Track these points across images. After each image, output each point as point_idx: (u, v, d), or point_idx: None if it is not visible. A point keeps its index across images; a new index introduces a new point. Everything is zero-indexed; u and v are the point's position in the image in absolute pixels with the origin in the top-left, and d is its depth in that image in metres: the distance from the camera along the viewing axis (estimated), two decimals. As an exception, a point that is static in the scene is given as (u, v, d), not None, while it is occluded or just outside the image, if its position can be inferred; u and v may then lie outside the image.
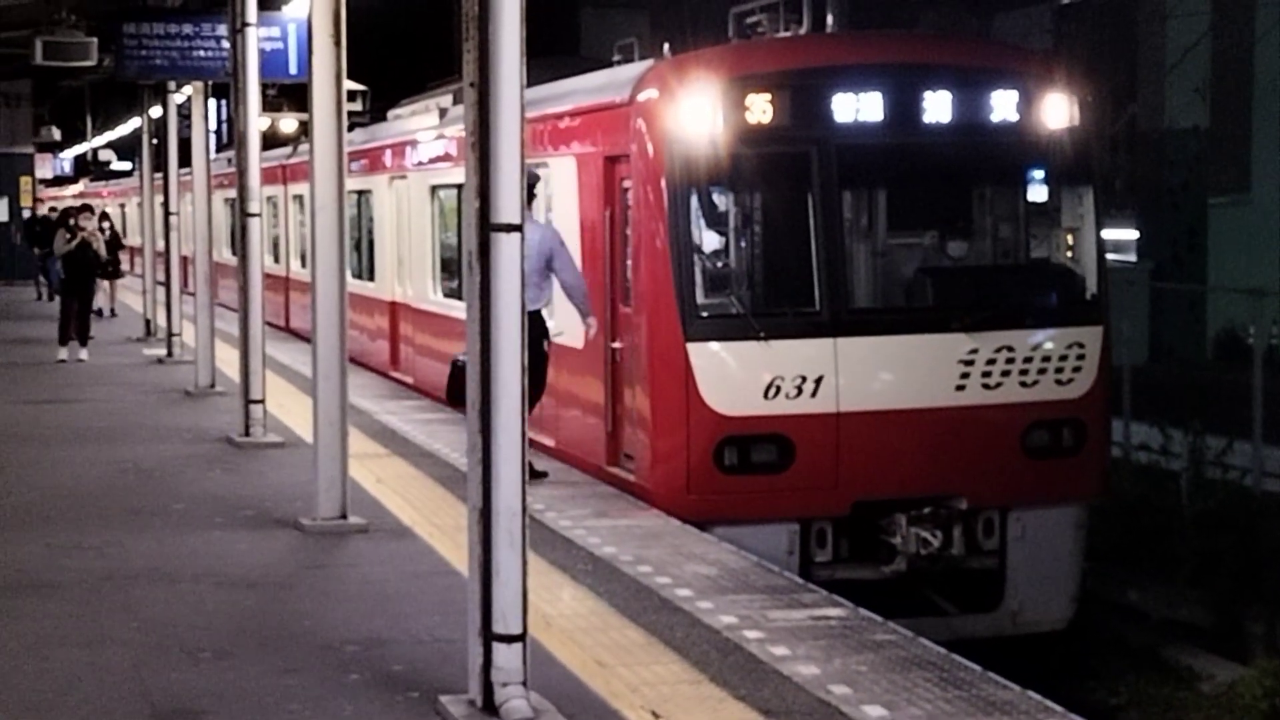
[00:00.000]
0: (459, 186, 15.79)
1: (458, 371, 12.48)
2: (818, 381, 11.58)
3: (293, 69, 17.68)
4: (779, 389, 11.56)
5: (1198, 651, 13.31)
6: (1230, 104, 24.83)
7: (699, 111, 11.67)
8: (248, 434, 15.46)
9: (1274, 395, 15.48)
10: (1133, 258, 26.18)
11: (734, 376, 11.70)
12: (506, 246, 7.12)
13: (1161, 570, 14.10)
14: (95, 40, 17.94)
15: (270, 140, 26.73)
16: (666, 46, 13.30)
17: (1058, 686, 9.46)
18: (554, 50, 19.54)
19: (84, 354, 23.36)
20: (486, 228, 7.14)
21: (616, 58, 14.62)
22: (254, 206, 15.69)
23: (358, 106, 24.07)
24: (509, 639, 7.17)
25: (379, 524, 11.61)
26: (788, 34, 12.92)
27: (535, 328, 12.51)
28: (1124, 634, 13.41)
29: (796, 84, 12.00)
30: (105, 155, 56.06)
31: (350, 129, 22.32)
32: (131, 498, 12.82)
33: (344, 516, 11.54)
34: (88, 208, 26.51)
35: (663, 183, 11.79)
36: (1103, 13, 26.20)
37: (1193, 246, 24.68)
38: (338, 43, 11.54)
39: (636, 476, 12.25)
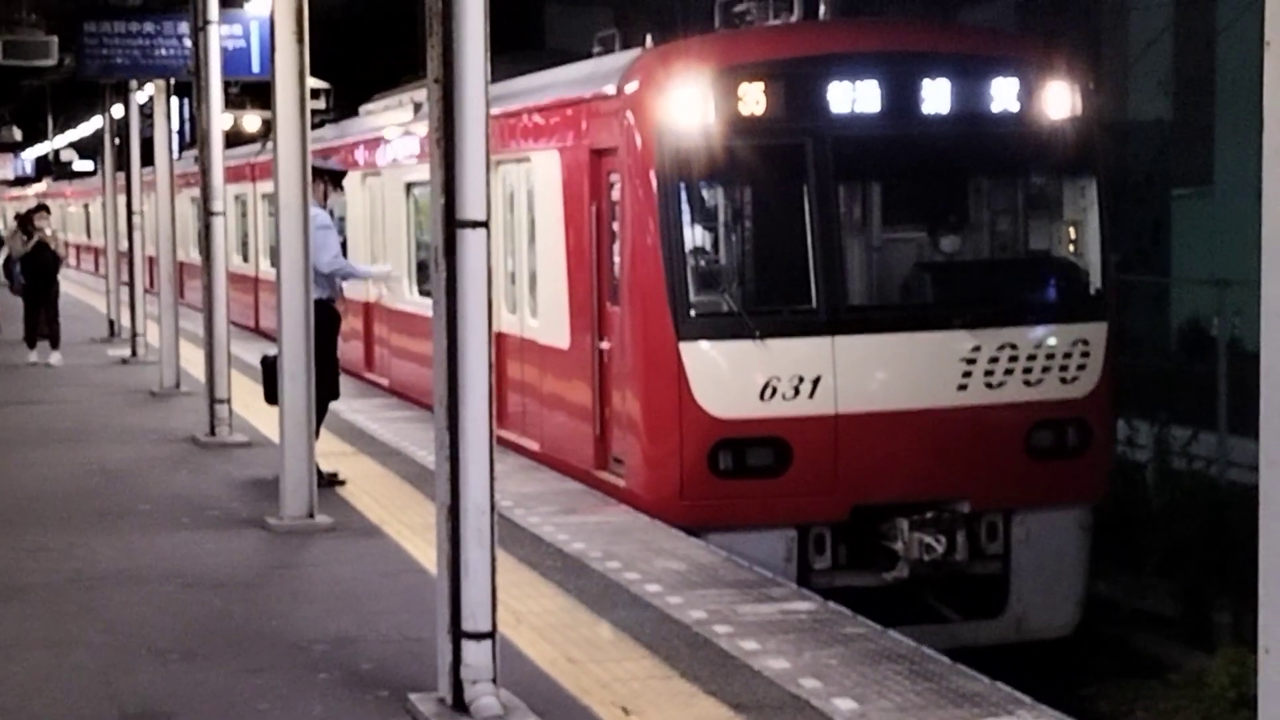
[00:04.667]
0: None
1: (268, 369, 12.11)
2: (815, 382, 11.23)
3: (255, 67, 17.65)
4: (775, 390, 11.20)
5: (1166, 641, 13.34)
6: (1193, 96, 24.92)
7: (690, 102, 11.29)
8: (213, 434, 15.48)
9: (1237, 385, 15.54)
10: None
11: (728, 377, 11.31)
12: (473, 243, 7.11)
13: (1131, 562, 14.13)
14: (56, 39, 17.90)
15: (234, 139, 26.64)
16: (649, 38, 12.86)
17: (1031, 680, 9.44)
18: (519, 45, 19.51)
19: (54, 358, 23.14)
20: (452, 224, 7.12)
21: (597, 49, 14.26)
22: (218, 205, 15.69)
23: (321, 104, 24.02)
24: (478, 636, 7.16)
25: (347, 523, 11.60)
26: (779, 22, 12.55)
27: (328, 319, 12.52)
28: (1094, 625, 13.43)
29: (791, 73, 11.59)
30: (67, 155, 55.95)
31: (317, 126, 22.30)
32: (97, 499, 12.79)
33: (311, 516, 11.53)
34: (43, 207, 26.33)
35: (653, 177, 11.39)
36: (1065, 5, 26.25)
37: (1157, 239, 24.75)
38: (300, 40, 11.53)
39: (627, 482, 11.86)
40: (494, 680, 7.19)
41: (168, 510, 12.22)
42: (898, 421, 11.33)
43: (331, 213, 13.33)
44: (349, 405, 16.91)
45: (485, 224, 7.14)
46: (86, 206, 48.40)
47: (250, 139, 28.79)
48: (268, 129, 16.74)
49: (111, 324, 27.67)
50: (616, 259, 12.05)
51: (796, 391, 11.18)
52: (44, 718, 7.46)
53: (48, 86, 40.28)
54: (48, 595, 9.77)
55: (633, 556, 10.41)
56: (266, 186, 23.67)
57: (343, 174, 14.29)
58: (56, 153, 55.73)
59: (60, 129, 52.29)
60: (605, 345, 12.25)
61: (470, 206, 7.10)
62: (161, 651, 8.48)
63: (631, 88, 11.75)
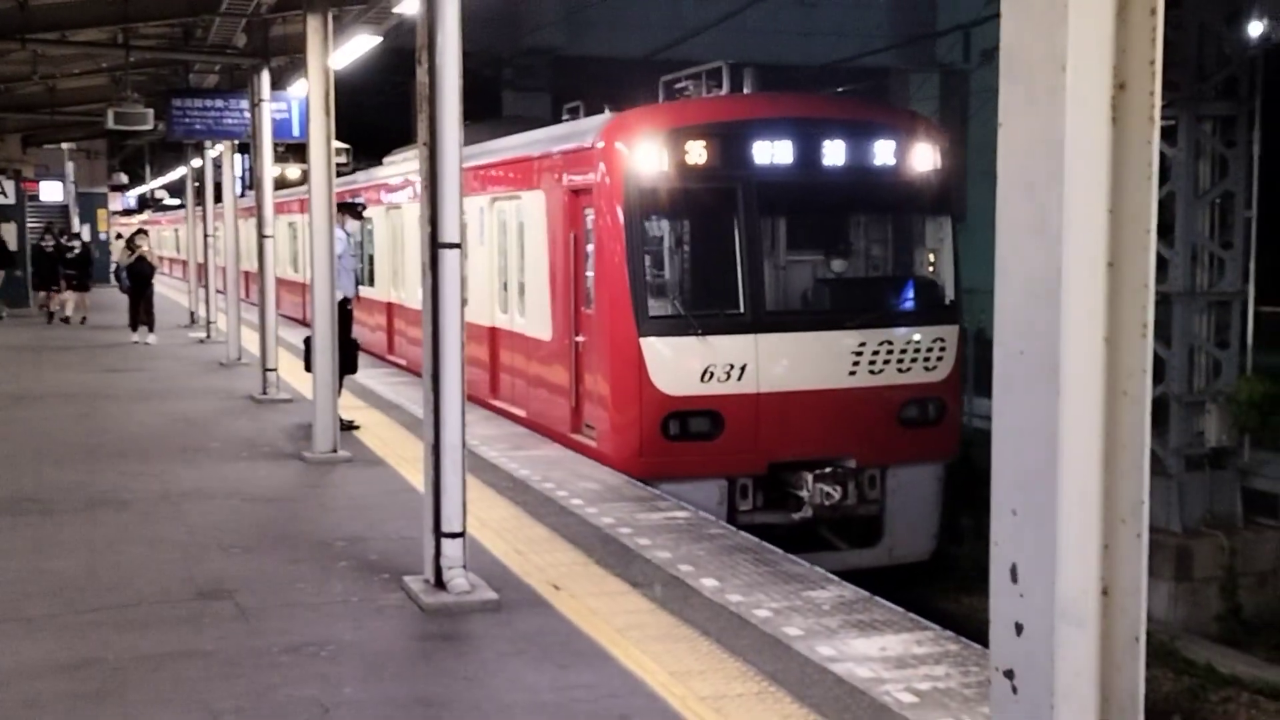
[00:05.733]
0: None
1: (308, 346, 11.80)
2: (742, 369, 10.81)
3: (296, 132, 17.47)
4: (712, 374, 10.77)
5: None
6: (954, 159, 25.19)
7: (649, 154, 10.86)
8: (265, 393, 15.34)
9: (984, 362, 15.52)
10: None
11: (677, 364, 10.82)
12: (450, 259, 7.09)
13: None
14: (151, 111, 17.65)
15: (280, 183, 26.34)
16: (606, 109, 12.39)
17: (899, 591, 8.89)
18: (483, 117, 19.33)
19: (151, 338, 22.79)
20: (435, 245, 7.10)
21: (566, 116, 13.83)
22: (268, 230, 15.66)
23: (343, 159, 23.74)
24: (453, 535, 7.17)
25: (360, 456, 11.53)
26: (713, 95, 12.03)
27: (344, 314, 12.14)
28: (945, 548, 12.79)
29: (725, 133, 11.12)
30: (159, 194, 55.26)
31: (342, 174, 22.02)
32: (180, 439, 12.64)
33: (335, 451, 11.46)
34: (143, 230, 25.99)
35: (620, 210, 10.93)
36: (872, 94, 26.40)
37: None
38: (328, 113, 11.47)
39: (597, 444, 11.34)
40: (464, 566, 7.20)
41: (231, 447, 12.10)
42: (804, 399, 11.00)
43: (349, 236, 13.14)
44: (365, 375, 16.80)
45: (458, 245, 7.12)
46: (177, 231, 47.67)
47: (300, 182, 28.33)
48: (304, 177, 16.58)
49: (192, 314, 27.39)
50: (590, 273, 11.56)
51: (729, 375, 10.81)
52: (143, 591, 7.39)
53: (145, 145, 39.68)
54: (145, 506, 9.66)
55: (562, 479, 10.42)
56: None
57: (362, 206, 14.17)
58: (152, 192, 54.92)
59: (155, 175, 51.38)
60: (580, 339, 11.72)
61: (447, 233, 7.08)
62: (226, 547, 8.42)
63: (605, 142, 11.28)
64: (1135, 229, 3.19)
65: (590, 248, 11.53)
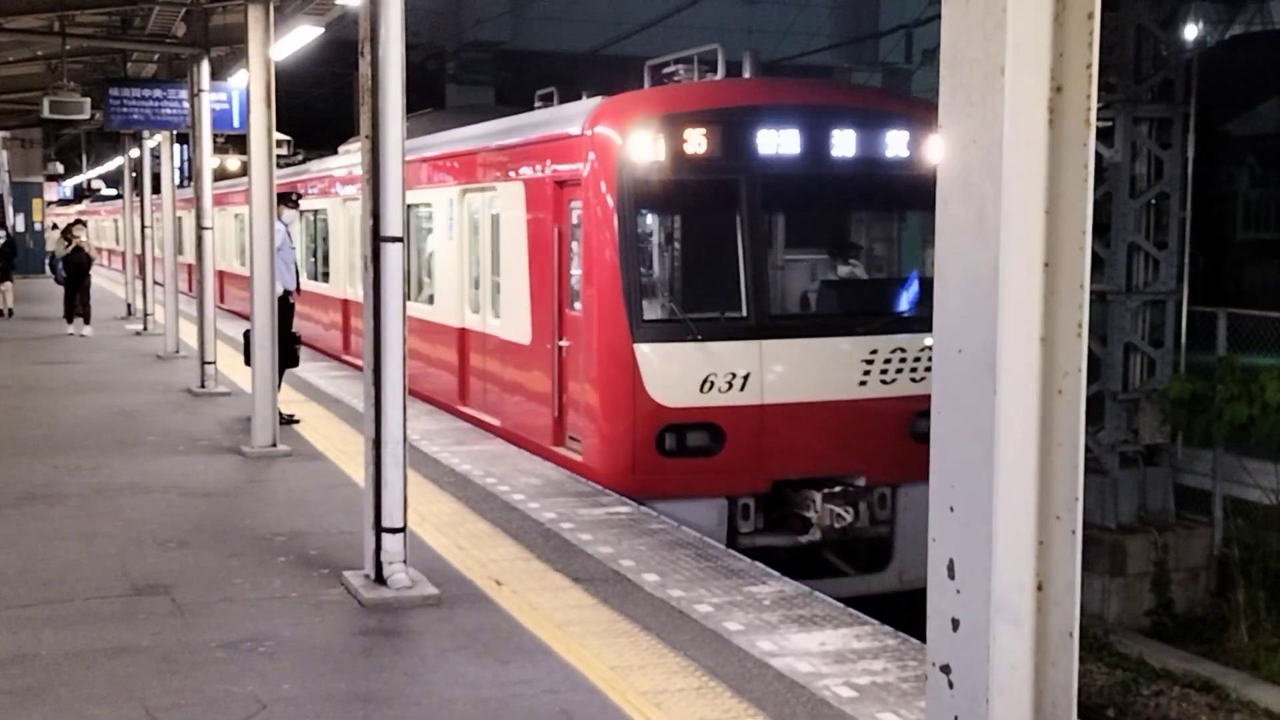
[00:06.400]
0: (407, 207, 14.74)
1: (247, 339, 11.44)
2: (745, 378, 9.83)
3: (236, 123, 17.30)
4: (712, 384, 9.79)
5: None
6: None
7: (645, 143, 9.85)
8: (203, 386, 15.19)
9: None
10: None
11: (673, 373, 9.83)
12: (392, 253, 7.05)
13: None
14: (89, 99, 17.40)
15: (221, 175, 26.04)
16: (584, 94, 11.40)
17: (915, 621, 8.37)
18: (449, 107, 19.16)
19: (87, 330, 22.47)
20: (377, 239, 7.06)
21: (538, 104, 12.70)
22: (207, 222, 15.52)
23: (284, 151, 23.53)
24: (394, 530, 7.14)
25: (300, 450, 11.43)
26: (713, 78, 10.89)
27: (285, 308, 11.92)
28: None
29: (726, 120, 10.10)
30: (97, 184, 54.61)
31: (296, 164, 21.73)
32: (117, 432, 12.48)
33: (274, 445, 11.36)
34: (80, 221, 25.70)
35: (612, 204, 9.93)
36: (800, 74, 26.43)
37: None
38: (269, 105, 11.33)
39: (584, 458, 10.32)
40: (405, 561, 7.17)
41: (169, 440, 11.96)
42: (811, 411, 9.97)
43: (285, 226, 12.92)
44: (306, 369, 16.64)
45: (401, 239, 7.09)
46: (116, 222, 46.96)
47: (238, 175, 27.97)
48: (244, 169, 16.35)
49: (128, 306, 27.05)
50: (576, 271, 10.54)
51: (730, 385, 9.82)
52: (77, 587, 7.29)
53: (82, 134, 39.15)
54: (79, 500, 9.53)
55: (504, 474, 10.39)
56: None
57: (298, 196, 13.91)
58: (88, 182, 54.22)
59: (92, 165, 50.64)
60: (564, 343, 10.69)
61: (390, 226, 7.05)
62: (163, 541, 8.32)
63: (595, 130, 10.19)
64: (1071, 229, 3.24)
65: (576, 245, 10.59)
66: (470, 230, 12.85)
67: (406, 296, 7.19)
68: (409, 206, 15.48)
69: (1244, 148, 25.88)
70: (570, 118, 10.80)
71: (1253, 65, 22.30)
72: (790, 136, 10.20)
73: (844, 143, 10.37)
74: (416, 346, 13.61)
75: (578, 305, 10.49)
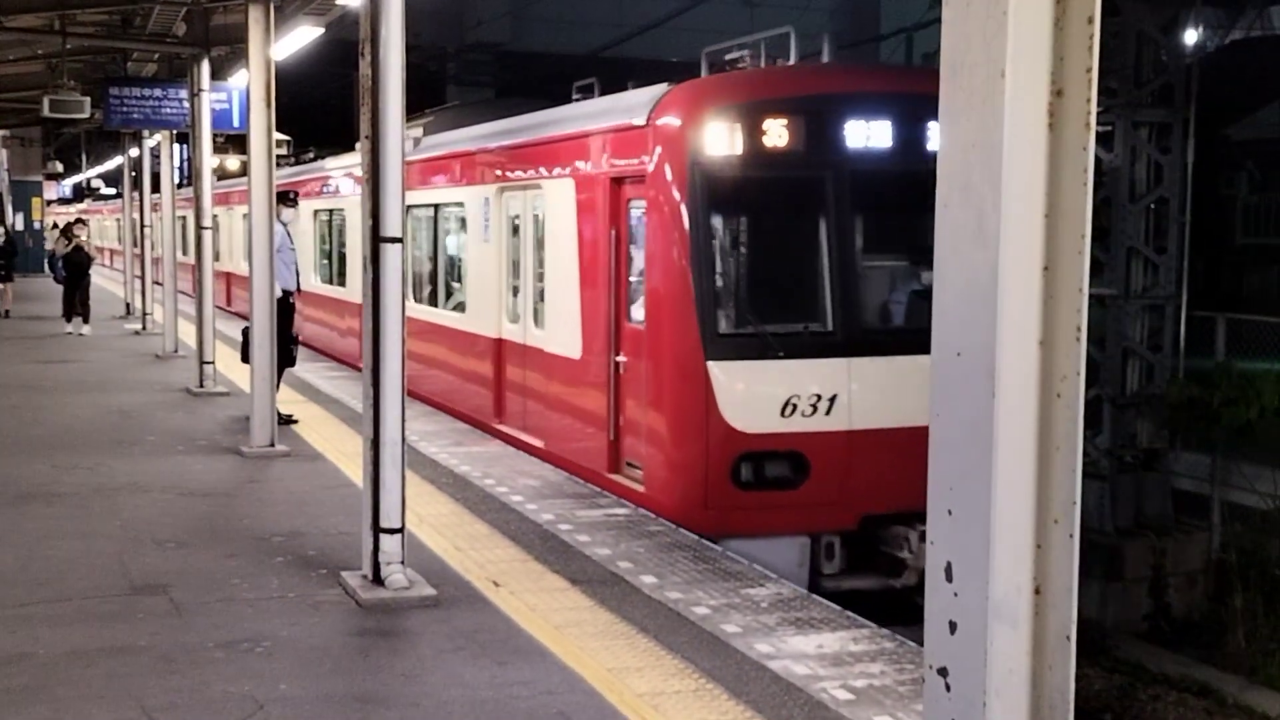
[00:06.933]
0: (432, 206, 13.90)
1: (245, 338, 11.36)
2: (831, 400, 8.81)
3: (236, 122, 17.30)
4: (795, 407, 8.75)
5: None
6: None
7: (719, 134, 8.81)
8: (202, 386, 15.19)
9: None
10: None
11: (752, 394, 8.79)
12: (391, 254, 7.05)
13: None
14: (88, 99, 17.39)
15: (222, 174, 26.07)
16: (630, 84, 10.42)
17: None
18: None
19: (86, 329, 22.49)
20: (376, 240, 7.06)
21: (577, 96, 11.62)
22: (206, 221, 15.56)
23: (283, 151, 23.54)
24: (392, 531, 7.14)
25: (298, 450, 11.43)
26: (789, 64, 9.85)
27: (284, 308, 11.84)
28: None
29: (811, 109, 9.04)
30: (96, 183, 54.63)
31: (293, 163, 21.64)
32: (116, 432, 12.47)
33: (273, 445, 11.36)
34: (81, 220, 25.71)
35: (682, 204, 8.86)
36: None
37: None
38: (269, 105, 11.34)
39: (646, 488, 9.27)
40: (403, 562, 7.17)
41: (167, 440, 11.96)
42: (903, 437, 8.66)
43: (285, 225, 12.89)
44: (304, 369, 16.67)
45: (400, 240, 7.08)
46: (118, 221, 46.94)
47: (239, 174, 27.87)
48: (244, 168, 16.34)
49: (127, 305, 27.05)
50: (635, 278, 9.55)
51: (814, 409, 8.78)
52: (75, 586, 7.29)
53: (82, 133, 39.17)
54: (78, 500, 9.53)
55: (503, 476, 10.39)
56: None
57: (295, 195, 13.85)
58: (88, 181, 54.23)
59: (91, 164, 50.65)
60: (622, 359, 9.63)
61: (389, 227, 7.05)
62: (161, 541, 8.32)
63: (663, 120, 9.11)
64: (1071, 233, 3.24)
65: (636, 249, 9.56)
66: (508, 232, 11.85)
67: (405, 296, 7.19)
68: (436, 207, 14.93)
69: (1243, 153, 25.90)
70: (631, 107, 9.68)
71: (1253, 70, 22.30)
72: (881, 128, 9.14)
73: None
74: (446, 358, 13.37)
75: (638, 316, 9.48)
